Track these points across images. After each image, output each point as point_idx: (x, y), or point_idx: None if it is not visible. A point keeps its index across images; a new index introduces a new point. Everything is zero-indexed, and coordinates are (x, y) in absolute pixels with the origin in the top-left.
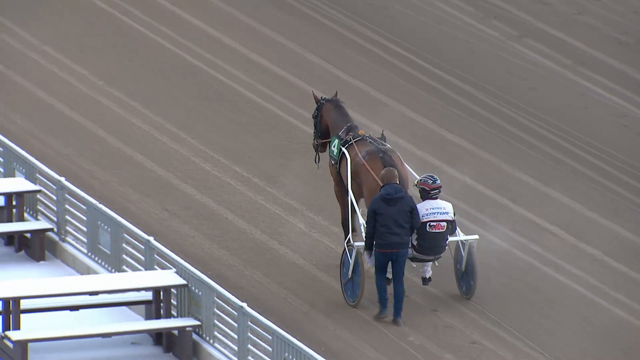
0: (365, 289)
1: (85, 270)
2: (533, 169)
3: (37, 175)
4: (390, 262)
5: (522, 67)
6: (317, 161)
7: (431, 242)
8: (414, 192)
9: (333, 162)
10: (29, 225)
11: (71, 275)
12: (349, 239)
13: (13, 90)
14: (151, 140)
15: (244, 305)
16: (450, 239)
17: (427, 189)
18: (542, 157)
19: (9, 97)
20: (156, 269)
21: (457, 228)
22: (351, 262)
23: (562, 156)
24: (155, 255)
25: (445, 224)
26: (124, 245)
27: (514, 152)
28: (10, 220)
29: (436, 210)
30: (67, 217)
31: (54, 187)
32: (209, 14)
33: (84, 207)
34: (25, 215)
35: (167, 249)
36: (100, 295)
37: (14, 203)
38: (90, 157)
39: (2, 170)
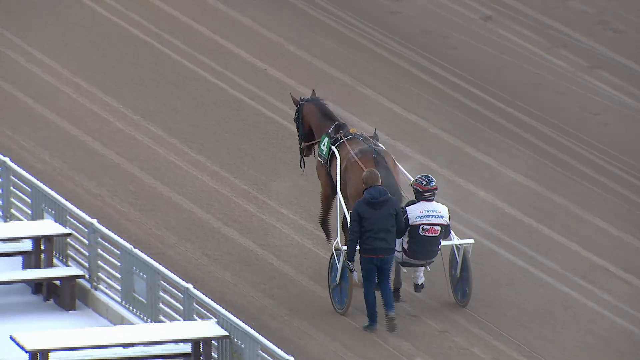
0: (354, 296)
1: (119, 320)
2: (606, 211)
3: (68, 217)
4: (376, 268)
5: (593, 100)
6: (302, 166)
7: (423, 246)
8: (407, 194)
9: (322, 162)
10: (59, 271)
11: (104, 326)
12: (337, 242)
13: (43, 125)
14: (191, 179)
15: (291, 358)
16: (445, 243)
17: (421, 190)
18: (618, 200)
19: (38, 133)
20: (195, 319)
21: (452, 232)
22: (339, 267)
23: None
24: (195, 304)
25: (439, 227)
26: (160, 293)
27: (584, 193)
28: (38, 266)
29: (431, 213)
30: (100, 263)
31: (86, 230)
32: (254, 43)
33: (118, 252)
34: (55, 260)
35: (207, 297)
36: (135, 348)
37: (42, 247)
38: (125, 198)
39: (29, 212)
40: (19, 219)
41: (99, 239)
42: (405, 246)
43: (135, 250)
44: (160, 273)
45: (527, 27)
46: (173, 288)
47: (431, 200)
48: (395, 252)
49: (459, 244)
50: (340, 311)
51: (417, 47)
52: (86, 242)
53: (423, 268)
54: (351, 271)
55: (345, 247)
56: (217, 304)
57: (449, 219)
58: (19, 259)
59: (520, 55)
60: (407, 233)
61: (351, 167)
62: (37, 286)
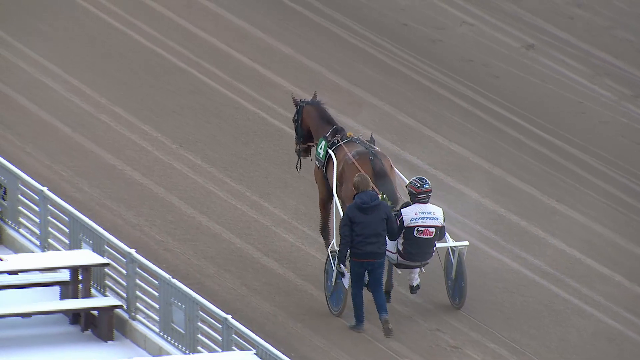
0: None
1: (157, 351)
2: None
3: (106, 247)
4: (366, 272)
5: (637, 130)
6: (298, 167)
7: (417, 248)
8: (403, 196)
9: (319, 165)
10: (96, 301)
11: (142, 357)
12: (332, 245)
13: (81, 155)
14: (230, 209)
15: None
16: (440, 245)
17: (415, 192)
18: None
19: (76, 162)
20: (234, 350)
21: (447, 234)
22: (335, 269)
23: None
24: (234, 335)
25: (433, 229)
26: (199, 324)
27: (628, 223)
28: (75, 297)
29: (425, 215)
30: (138, 293)
31: (124, 260)
32: (294, 72)
33: (156, 282)
34: (92, 290)
35: (247, 328)
36: None
37: (80, 277)
38: (164, 227)
39: (67, 241)
40: (57, 249)
41: (137, 269)
42: (400, 248)
43: (174, 281)
44: (198, 303)
45: (570, 55)
46: (212, 319)
47: (426, 203)
48: (390, 253)
49: (454, 246)
50: (336, 312)
51: (458, 76)
52: (124, 272)
53: (418, 270)
54: (342, 275)
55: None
56: (256, 334)
57: (444, 221)
58: (57, 289)
59: (564, 84)
60: (402, 235)
61: (348, 168)
62: (74, 316)
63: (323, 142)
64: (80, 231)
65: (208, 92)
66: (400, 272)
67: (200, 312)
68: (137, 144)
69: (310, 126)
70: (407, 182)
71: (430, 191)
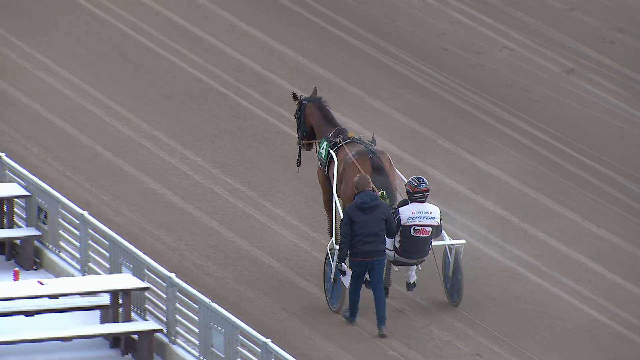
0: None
1: None
2: None
3: (146, 271)
4: (367, 271)
5: None
6: (298, 163)
7: (414, 246)
8: (402, 194)
9: (321, 166)
10: (136, 325)
11: None
12: (332, 242)
13: (121, 179)
14: (270, 233)
15: None
16: (437, 243)
17: (412, 191)
18: None
19: (116, 186)
20: None
21: (444, 232)
22: (333, 265)
23: None
24: (273, 359)
25: (430, 228)
26: (238, 347)
27: None
28: (115, 320)
29: (422, 214)
30: (178, 317)
31: (164, 284)
32: (334, 96)
33: (196, 306)
34: (132, 314)
35: (286, 352)
36: None
37: (120, 301)
38: (203, 252)
39: (107, 265)
40: (97, 273)
41: (177, 292)
42: (397, 245)
43: (214, 305)
44: (238, 327)
45: (610, 79)
46: (251, 342)
47: (423, 202)
48: (388, 251)
49: (451, 244)
50: (334, 309)
51: (498, 100)
52: (164, 296)
53: (415, 267)
54: (343, 273)
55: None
56: (295, 358)
57: (440, 220)
58: (97, 312)
59: (604, 108)
60: (399, 233)
61: (348, 168)
62: (114, 340)
63: (325, 143)
64: (120, 255)
65: (248, 117)
66: (397, 269)
67: (240, 336)
68: (178, 168)
69: (314, 125)
70: (406, 181)
71: (427, 190)
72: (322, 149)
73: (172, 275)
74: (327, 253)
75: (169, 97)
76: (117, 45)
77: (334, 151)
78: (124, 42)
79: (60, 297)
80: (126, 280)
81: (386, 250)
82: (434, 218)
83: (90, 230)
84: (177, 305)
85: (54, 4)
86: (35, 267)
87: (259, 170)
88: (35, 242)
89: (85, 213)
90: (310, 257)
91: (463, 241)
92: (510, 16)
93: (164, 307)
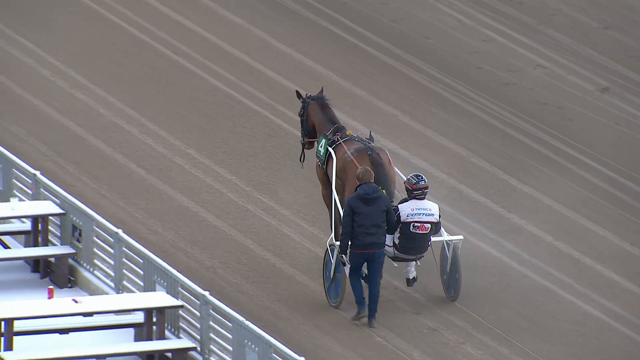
0: (347, 289)
1: None
2: None
3: (179, 289)
4: (366, 262)
5: None
6: (301, 160)
7: (413, 243)
8: (401, 191)
9: (320, 163)
10: (170, 343)
11: None
12: (331, 238)
13: (154, 197)
14: (304, 251)
15: None
16: (435, 239)
17: (411, 188)
18: None
19: (150, 204)
20: None
21: (442, 228)
22: (333, 262)
23: None
24: None
25: (429, 225)
26: None
27: None
28: (149, 338)
29: (421, 211)
30: (212, 335)
31: (198, 302)
32: (368, 115)
33: (230, 324)
34: (166, 332)
35: None
36: None
37: (154, 319)
38: (238, 270)
39: (141, 283)
40: (131, 291)
41: (211, 311)
42: (397, 242)
43: (247, 323)
44: (272, 345)
45: None
46: None
47: (422, 199)
48: (387, 247)
49: (449, 240)
50: (334, 304)
51: (532, 119)
52: (198, 314)
53: (414, 263)
54: (344, 264)
55: (338, 243)
56: None
57: (440, 217)
58: (131, 330)
59: (637, 126)
60: (398, 230)
61: (347, 165)
62: (148, 358)
63: (324, 141)
64: (154, 273)
65: (282, 135)
66: (396, 265)
67: (274, 355)
68: (211, 186)
69: (315, 122)
70: (405, 178)
71: (426, 187)
72: (321, 146)
73: (206, 293)
74: (327, 248)
75: (203, 115)
76: (151, 63)
77: (333, 149)
78: (158, 60)
79: (94, 315)
80: (160, 298)
81: (387, 246)
82: (433, 215)
83: (124, 248)
84: (211, 323)
85: (90, 22)
86: (69, 285)
87: (293, 188)
88: (70, 260)
89: (120, 231)
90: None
91: (461, 237)
92: (544, 34)
93: (198, 325)
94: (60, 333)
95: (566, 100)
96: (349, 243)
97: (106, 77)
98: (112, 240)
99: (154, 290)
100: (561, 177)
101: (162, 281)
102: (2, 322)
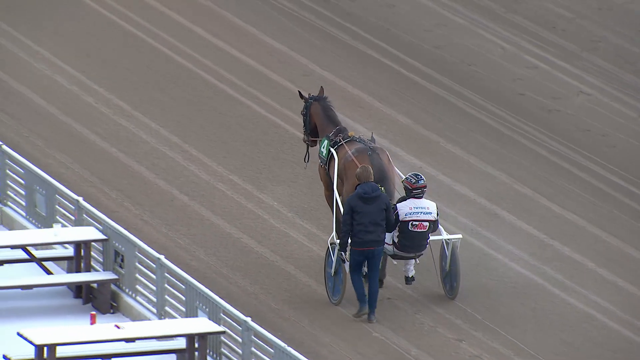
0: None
1: None
2: None
3: (221, 315)
4: (366, 259)
5: None
6: (306, 160)
7: (412, 241)
8: (400, 190)
9: (322, 163)
10: None
11: None
12: (332, 237)
13: (197, 222)
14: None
15: None
16: (434, 238)
17: (410, 187)
18: None
19: (192, 230)
20: None
21: (441, 227)
22: (334, 259)
23: None
24: None
25: (427, 223)
26: None
27: None
28: None
29: (420, 209)
30: None
31: (240, 328)
32: (410, 141)
33: (271, 350)
34: (208, 358)
35: None
36: None
37: (196, 345)
38: (279, 295)
39: (183, 309)
40: (173, 317)
41: (253, 337)
42: (396, 240)
43: (289, 349)
44: None
45: None
46: None
47: (420, 197)
48: (387, 245)
49: (448, 239)
50: (335, 302)
51: (575, 145)
52: (240, 340)
53: (413, 261)
54: (343, 261)
55: (338, 241)
56: None
57: (438, 215)
58: (173, 356)
59: None
60: (397, 228)
61: (348, 166)
62: None
63: (326, 142)
64: (196, 299)
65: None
66: (395, 262)
67: None
68: (254, 212)
69: (317, 124)
70: (404, 177)
71: (425, 187)
72: (323, 147)
73: (248, 319)
74: (328, 247)
75: (246, 141)
76: (195, 90)
77: (335, 149)
78: (202, 87)
79: (136, 341)
80: (202, 324)
81: (386, 245)
82: (431, 213)
83: (166, 274)
84: (253, 349)
85: (133, 49)
86: (112, 311)
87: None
88: (112, 286)
89: (162, 257)
90: (384, 300)
91: (459, 236)
92: (587, 61)
93: (240, 351)
94: (102, 359)
95: (609, 127)
96: (349, 241)
97: (150, 104)
98: (154, 266)
99: (196, 316)
100: (604, 203)
101: (204, 307)
102: (45, 348)
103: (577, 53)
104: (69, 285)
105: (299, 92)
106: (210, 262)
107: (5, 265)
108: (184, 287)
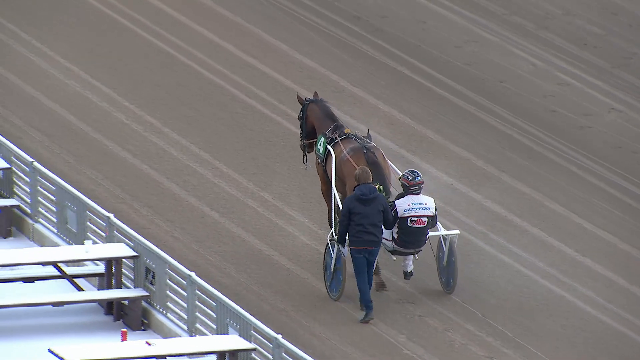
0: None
1: None
2: None
3: (252, 332)
4: (365, 259)
5: None
6: (305, 161)
7: (411, 237)
8: (397, 187)
9: (319, 160)
10: None
11: None
12: (331, 233)
13: (229, 240)
14: (374, 294)
15: None
16: (432, 233)
17: (407, 184)
18: None
19: (223, 247)
20: None
21: (439, 223)
22: (333, 256)
23: None
24: None
25: (426, 219)
26: None
27: None
28: None
29: (418, 205)
30: None
31: (270, 345)
32: (442, 158)
33: None
34: None
35: None
36: None
37: None
38: (310, 313)
39: (214, 326)
40: (204, 334)
41: (284, 354)
42: (395, 236)
43: None
44: None
45: None
46: None
47: (418, 194)
48: (386, 241)
49: (446, 235)
50: (334, 297)
51: (606, 162)
52: (270, 357)
53: (412, 257)
54: (343, 254)
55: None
56: None
57: (436, 210)
58: None
59: None
60: (396, 224)
61: (344, 165)
62: None
63: (322, 139)
64: (227, 316)
65: None
66: (395, 258)
67: None
68: (284, 229)
69: (315, 123)
70: (400, 174)
71: (422, 183)
72: (320, 144)
73: (279, 336)
74: (327, 243)
75: (277, 158)
76: (225, 106)
77: (331, 147)
78: (233, 103)
79: (167, 358)
80: (233, 341)
81: (385, 240)
82: (429, 209)
83: (197, 291)
84: None
85: (164, 66)
86: (142, 328)
87: None
88: (143, 303)
89: (193, 274)
90: (416, 320)
91: (457, 231)
92: (618, 78)
93: None
94: None
95: None
96: (347, 240)
97: (180, 120)
98: (185, 283)
99: (227, 333)
100: (636, 220)
101: (234, 324)
102: None
103: (608, 69)
104: (100, 302)
105: (297, 94)
106: (241, 279)
107: (37, 282)
108: (214, 304)
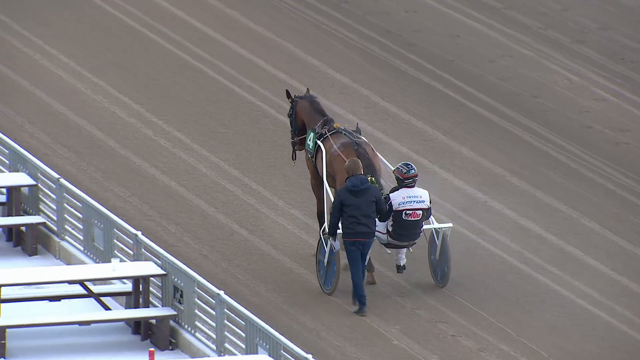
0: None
1: None
2: None
3: (282, 351)
4: (359, 250)
5: None
6: (293, 158)
7: (406, 229)
8: (388, 181)
9: (309, 155)
10: None
11: None
12: (324, 228)
13: (258, 258)
14: (406, 314)
15: None
16: (425, 227)
17: (401, 177)
18: None
19: (253, 266)
20: None
21: (432, 216)
22: (326, 250)
23: None
24: None
25: (420, 212)
26: None
27: None
28: None
29: (412, 198)
30: None
31: None
32: (473, 173)
33: None
34: None
35: None
36: None
37: None
38: (340, 332)
39: (243, 346)
40: (233, 353)
41: None
42: (390, 229)
43: None
44: None
45: None
46: None
47: (412, 187)
48: (381, 234)
49: (438, 228)
50: (328, 292)
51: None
52: None
53: (405, 250)
54: (334, 247)
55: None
56: None
57: (430, 203)
58: None
59: None
60: (391, 217)
61: (335, 160)
62: None
63: (312, 134)
64: (256, 335)
65: None
66: (389, 251)
67: None
68: (314, 247)
69: (305, 119)
70: (392, 168)
71: (416, 176)
72: (310, 140)
73: (309, 356)
74: (320, 238)
75: (306, 174)
76: (254, 122)
77: (321, 142)
78: (261, 118)
79: None
80: None
81: (380, 233)
82: (423, 201)
83: (226, 310)
84: None
85: (194, 81)
86: (170, 348)
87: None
88: (171, 322)
89: (221, 292)
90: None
91: (450, 225)
92: None
93: None
94: None
95: None
96: (341, 232)
97: (209, 136)
98: (213, 301)
99: (256, 352)
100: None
101: (264, 343)
102: None
103: None
104: (127, 321)
105: (287, 91)
106: (271, 297)
107: (63, 301)
108: (243, 323)
